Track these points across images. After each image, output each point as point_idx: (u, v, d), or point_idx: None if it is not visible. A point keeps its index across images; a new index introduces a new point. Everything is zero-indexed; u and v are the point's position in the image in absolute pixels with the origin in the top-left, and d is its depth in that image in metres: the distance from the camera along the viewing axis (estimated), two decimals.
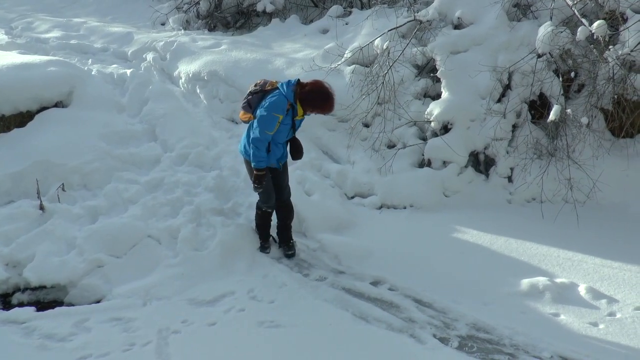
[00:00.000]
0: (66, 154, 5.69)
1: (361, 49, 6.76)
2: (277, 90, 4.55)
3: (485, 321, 4.14)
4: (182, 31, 9.93)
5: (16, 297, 4.54)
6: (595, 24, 5.03)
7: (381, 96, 6.43)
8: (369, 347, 3.89)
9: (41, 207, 5.09)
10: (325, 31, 8.56)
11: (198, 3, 10.39)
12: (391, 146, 6.41)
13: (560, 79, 5.92)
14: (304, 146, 4.93)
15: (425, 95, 6.64)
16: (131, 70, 7.98)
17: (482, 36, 6.35)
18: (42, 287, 4.56)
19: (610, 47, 5.27)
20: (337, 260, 4.98)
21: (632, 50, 5.22)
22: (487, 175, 6.07)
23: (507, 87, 6.18)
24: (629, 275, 4.65)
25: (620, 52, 5.23)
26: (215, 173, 5.93)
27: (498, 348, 3.90)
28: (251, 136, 4.56)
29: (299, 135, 4.85)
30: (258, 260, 4.96)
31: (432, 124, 6.11)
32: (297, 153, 4.85)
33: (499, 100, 6.13)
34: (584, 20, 5.28)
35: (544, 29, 5.56)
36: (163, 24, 10.58)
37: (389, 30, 6.76)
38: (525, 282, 4.53)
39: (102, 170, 5.73)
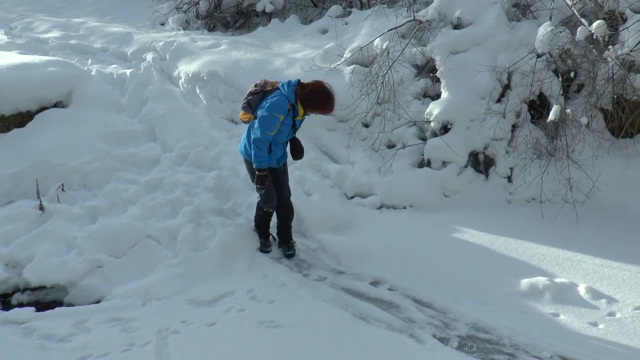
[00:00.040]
0: (66, 154, 5.68)
1: (361, 49, 6.76)
2: (278, 91, 4.56)
3: (485, 321, 4.15)
4: (182, 31, 9.92)
5: (16, 298, 4.53)
6: (595, 24, 5.04)
7: (381, 96, 6.43)
8: (368, 347, 3.89)
9: (41, 208, 5.09)
10: (324, 31, 8.56)
11: (197, 3, 10.38)
12: (391, 146, 6.41)
13: (560, 79, 5.92)
14: (304, 146, 4.93)
15: (425, 95, 6.64)
16: (131, 70, 7.98)
17: (482, 36, 6.35)
18: (41, 288, 4.55)
19: (610, 47, 5.28)
20: (336, 260, 4.98)
21: (631, 50, 5.22)
22: (487, 175, 6.07)
23: (507, 87, 6.19)
24: (629, 275, 4.65)
25: (619, 52, 5.23)
26: (214, 173, 5.93)
27: (498, 348, 3.90)
28: (252, 137, 4.56)
29: (298, 135, 4.85)
30: (258, 261, 4.96)
31: (432, 124, 6.11)
32: (297, 153, 4.86)
33: (498, 100, 6.14)
34: (583, 20, 5.28)
35: (544, 29, 5.56)
36: (163, 24, 10.57)
37: (388, 30, 6.76)
38: (525, 282, 4.53)
39: (101, 170, 5.72)
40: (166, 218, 5.23)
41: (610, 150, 5.98)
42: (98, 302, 4.42)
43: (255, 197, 5.48)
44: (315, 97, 4.51)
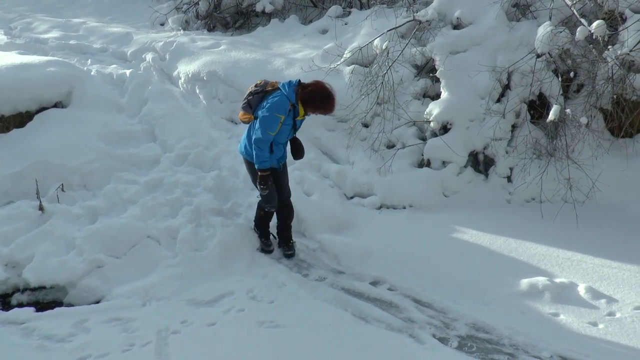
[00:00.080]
0: (65, 154, 5.69)
1: (360, 49, 6.76)
2: (279, 91, 4.56)
3: (485, 321, 4.15)
4: (182, 31, 9.92)
5: (15, 298, 4.53)
6: (594, 24, 5.04)
7: (380, 96, 6.43)
8: (368, 347, 3.88)
9: (40, 208, 5.09)
10: (324, 31, 8.57)
11: (197, 3, 10.38)
12: (390, 146, 6.41)
13: (560, 79, 5.92)
14: (304, 146, 4.93)
15: (425, 96, 6.64)
16: (130, 70, 7.99)
17: (482, 36, 6.35)
18: (41, 288, 4.55)
19: (609, 47, 5.28)
20: (336, 260, 4.98)
21: (631, 50, 5.22)
22: (487, 175, 6.07)
23: (507, 87, 6.19)
24: (628, 275, 4.65)
25: (619, 52, 5.23)
26: (214, 173, 5.93)
27: (498, 348, 3.90)
28: (253, 137, 4.55)
29: (298, 135, 4.85)
30: (257, 261, 4.96)
31: (432, 124, 6.11)
32: (298, 153, 4.87)
33: (498, 100, 6.14)
34: (583, 20, 5.28)
35: (543, 29, 5.56)
36: (162, 24, 10.57)
37: (388, 31, 6.76)
38: (525, 282, 4.53)
39: (101, 170, 5.73)
40: (166, 218, 5.23)
41: (610, 150, 5.98)
42: (98, 302, 4.42)
43: (254, 197, 5.49)
44: (316, 97, 4.51)
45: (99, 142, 5.99)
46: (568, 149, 5.78)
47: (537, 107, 6.16)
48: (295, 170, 5.88)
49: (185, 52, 8.30)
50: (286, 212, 5.01)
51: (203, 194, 5.59)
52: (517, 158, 5.95)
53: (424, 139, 6.28)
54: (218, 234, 5.05)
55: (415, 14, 6.79)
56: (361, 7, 9.21)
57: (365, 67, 6.82)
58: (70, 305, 4.44)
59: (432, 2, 6.84)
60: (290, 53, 7.94)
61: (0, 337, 3.95)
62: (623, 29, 5.37)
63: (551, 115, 5.32)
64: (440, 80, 6.30)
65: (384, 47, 6.60)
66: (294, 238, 5.12)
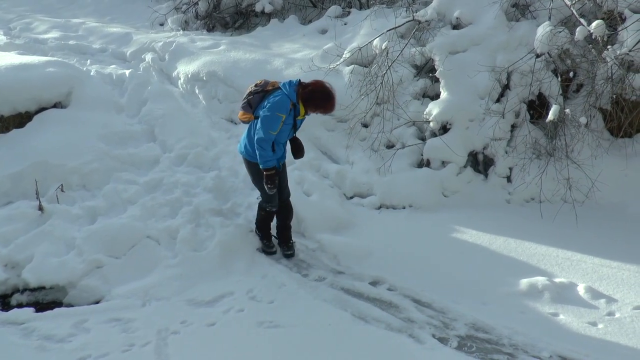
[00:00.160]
0: (65, 154, 5.68)
1: (360, 49, 6.76)
2: (280, 90, 4.56)
3: (485, 321, 4.15)
4: (181, 32, 9.92)
5: (15, 298, 4.53)
6: (594, 24, 5.04)
7: (380, 96, 6.43)
8: (368, 347, 3.89)
9: (40, 208, 5.09)
10: (324, 31, 8.57)
11: (197, 3, 10.38)
12: (390, 146, 6.41)
13: (559, 78, 5.93)
14: (304, 146, 4.93)
15: (424, 96, 6.64)
16: (130, 70, 7.98)
17: (481, 36, 6.35)
18: (41, 288, 4.55)
19: (609, 47, 5.28)
20: (336, 261, 4.98)
21: (630, 50, 5.22)
22: (486, 175, 6.07)
23: (506, 87, 6.19)
24: (628, 275, 4.65)
25: (618, 52, 5.23)
26: (214, 173, 5.93)
27: (497, 348, 3.90)
28: (255, 137, 4.55)
29: (298, 135, 4.85)
30: (257, 261, 4.97)
31: (431, 124, 6.11)
32: (298, 152, 4.87)
33: (497, 100, 6.14)
34: (582, 20, 5.28)
35: (543, 29, 5.56)
36: (162, 25, 10.57)
37: (387, 31, 6.76)
38: (525, 282, 4.53)
39: (101, 170, 5.72)
40: (165, 218, 5.23)
41: (609, 150, 5.98)
42: (97, 302, 4.42)
43: (254, 198, 5.50)
44: (316, 96, 4.52)
45: (98, 143, 5.99)
46: (567, 148, 5.78)
47: (537, 107, 6.16)
48: (295, 170, 5.88)
49: (185, 52, 8.30)
50: (286, 212, 5.01)
51: (202, 194, 5.59)
52: (516, 158, 5.96)
53: (423, 139, 6.28)
54: (217, 234, 5.05)
55: (414, 14, 6.79)
56: (360, 7, 9.21)
57: (365, 67, 6.82)
58: (69, 305, 4.44)
59: (431, 2, 6.84)
60: (289, 53, 7.94)
61: (0, 337, 3.94)
62: (622, 29, 5.37)
63: (550, 115, 5.32)
64: (440, 80, 6.30)
65: (383, 47, 6.60)
66: (294, 238, 5.12)
